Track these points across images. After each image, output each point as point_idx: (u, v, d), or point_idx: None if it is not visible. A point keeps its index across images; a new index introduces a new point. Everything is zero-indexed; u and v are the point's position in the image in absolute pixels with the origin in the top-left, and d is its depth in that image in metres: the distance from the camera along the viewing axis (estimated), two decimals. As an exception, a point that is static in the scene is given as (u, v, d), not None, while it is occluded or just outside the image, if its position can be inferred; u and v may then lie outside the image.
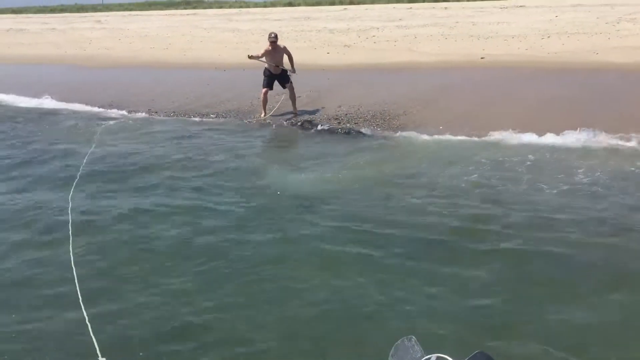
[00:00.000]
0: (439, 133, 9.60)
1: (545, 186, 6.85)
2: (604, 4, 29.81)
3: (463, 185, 7.02)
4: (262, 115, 11.63)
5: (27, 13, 69.13)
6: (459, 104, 11.10)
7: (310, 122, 10.82)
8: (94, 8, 72.44)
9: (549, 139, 8.77)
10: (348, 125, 10.48)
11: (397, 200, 6.64)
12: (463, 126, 9.70)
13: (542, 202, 6.39)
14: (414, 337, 3.04)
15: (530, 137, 8.88)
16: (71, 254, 5.52)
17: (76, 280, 4.98)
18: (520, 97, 11.14)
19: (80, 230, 6.13)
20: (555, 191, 6.69)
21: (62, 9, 72.73)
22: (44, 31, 33.51)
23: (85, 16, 51.56)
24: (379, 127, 10.34)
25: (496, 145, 8.74)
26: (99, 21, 40.57)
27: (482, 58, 15.68)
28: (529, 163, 7.76)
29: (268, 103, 11.68)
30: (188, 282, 5.06)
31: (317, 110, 11.70)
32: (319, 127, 10.40)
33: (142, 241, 5.90)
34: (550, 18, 22.91)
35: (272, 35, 11.23)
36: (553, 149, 8.44)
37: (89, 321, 4.36)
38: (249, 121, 11.55)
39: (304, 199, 6.76)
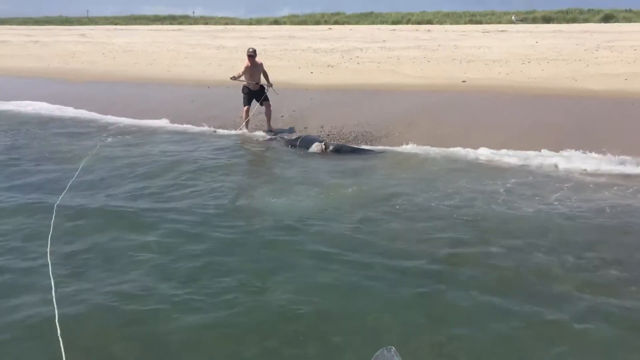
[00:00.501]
0: (421, 154, 9.72)
1: (522, 209, 6.94)
2: (583, 30, 30.53)
3: (442, 208, 7.08)
4: (242, 129, 11.89)
5: (11, 24, 68.83)
6: (440, 127, 11.22)
7: (290, 140, 10.87)
8: (79, 21, 72.57)
9: (528, 161, 8.98)
10: (330, 144, 10.49)
11: (375, 224, 6.67)
12: (444, 147, 9.84)
13: (518, 226, 6.47)
14: (393, 348, 3.20)
15: (509, 159, 9.10)
16: (49, 260, 5.55)
17: (52, 284, 5.00)
18: (500, 122, 11.31)
19: (60, 237, 6.18)
20: (532, 214, 6.79)
21: (47, 21, 72.66)
22: (27, 43, 33.30)
23: (70, 29, 51.39)
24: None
25: (476, 167, 8.87)
26: (83, 35, 40.44)
27: (463, 82, 15.89)
28: (508, 185, 7.87)
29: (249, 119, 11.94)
30: (165, 298, 5.07)
31: (300, 130, 11.78)
32: (310, 149, 10.31)
33: (120, 252, 5.90)
34: (531, 44, 23.35)
35: (251, 50, 11.64)
36: (531, 172, 8.59)
37: (59, 323, 4.41)
38: (231, 132, 11.67)
39: (283, 222, 6.75)
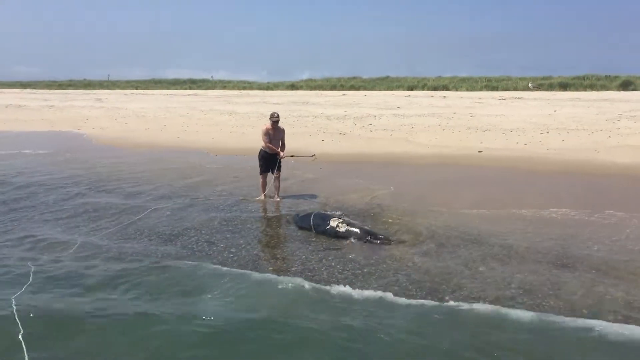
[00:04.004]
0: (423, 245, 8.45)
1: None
2: (603, 98, 29.98)
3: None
4: (261, 196, 11.09)
5: (35, 87, 70.52)
6: (455, 204, 10.32)
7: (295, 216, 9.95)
8: (101, 84, 74.04)
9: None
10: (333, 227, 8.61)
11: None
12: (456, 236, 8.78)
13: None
14: None
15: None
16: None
17: None
18: (520, 201, 10.43)
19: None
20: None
21: (70, 85, 74.32)
22: (42, 108, 33.57)
23: (88, 94, 52.22)
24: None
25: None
26: (99, 99, 40.88)
27: (479, 152, 15.23)
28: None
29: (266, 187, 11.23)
30: None
31: (305, 201, 10.92)
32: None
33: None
34: (549, 112, 22.76)
35: (275, 114, 10.94)
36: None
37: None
38: (243, 199, 10.89)
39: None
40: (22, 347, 4.98)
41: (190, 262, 7.18)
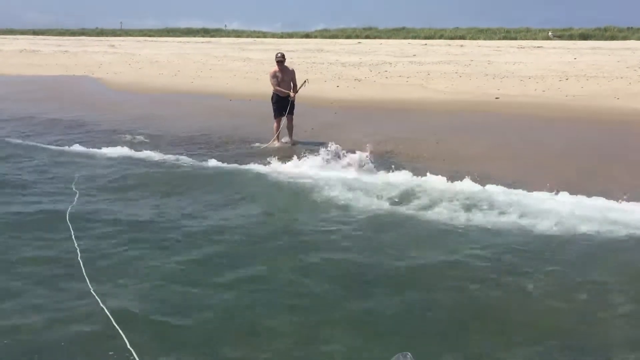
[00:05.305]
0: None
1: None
2: (624, 47, 29.29)
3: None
4: (275, 142, 10.85)
5: (49, 35, 69.93)
6: (468, 149, 10.13)
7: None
8: (114, 33, 73.25)
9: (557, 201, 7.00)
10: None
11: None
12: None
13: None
14: (409, 354, 3.09)
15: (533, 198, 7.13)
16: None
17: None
18: (535, 146, 10.24)
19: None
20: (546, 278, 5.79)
21: (83, 33, 73.59)
22: (56, 53, 33.44)
23: (101, 40, 51.88)
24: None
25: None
26: (112, 45, 40.65)
27: (496, 98, 15.03)
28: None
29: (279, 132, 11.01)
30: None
31: (318, 145, 10.84)
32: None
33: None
34: (568, 60, 22.32)
35: (279, 54, 10.65)
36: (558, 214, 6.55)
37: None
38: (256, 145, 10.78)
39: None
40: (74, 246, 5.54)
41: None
